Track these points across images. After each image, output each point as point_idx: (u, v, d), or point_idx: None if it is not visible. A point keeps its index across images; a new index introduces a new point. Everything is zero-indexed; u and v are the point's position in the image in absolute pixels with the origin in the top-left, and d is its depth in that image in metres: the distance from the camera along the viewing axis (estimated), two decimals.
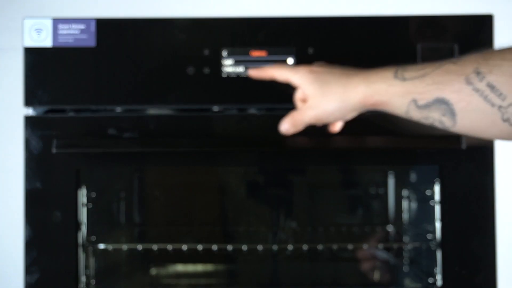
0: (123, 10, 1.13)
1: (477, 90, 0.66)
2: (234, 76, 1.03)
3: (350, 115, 0.81)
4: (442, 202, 1.04)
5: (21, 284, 1.03)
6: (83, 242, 1.07)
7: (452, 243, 1.03)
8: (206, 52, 1.04)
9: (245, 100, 1.04)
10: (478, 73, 0.66)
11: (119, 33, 1.03)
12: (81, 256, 1.06)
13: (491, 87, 0.65)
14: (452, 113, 0.69)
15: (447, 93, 0.68)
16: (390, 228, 1.35)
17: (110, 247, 1.19)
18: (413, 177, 1.31)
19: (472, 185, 1.03)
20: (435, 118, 0.71)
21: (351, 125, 1.04)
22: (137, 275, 1.31)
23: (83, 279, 1.07)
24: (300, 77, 0.82)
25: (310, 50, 1.03)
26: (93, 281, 1.13)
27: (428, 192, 1.15)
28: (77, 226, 1.04)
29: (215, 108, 1.05)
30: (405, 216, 1.34)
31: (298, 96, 0.86)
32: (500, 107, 0.65)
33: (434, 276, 1.08)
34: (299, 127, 0.84)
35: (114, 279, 1.26)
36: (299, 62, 1.03)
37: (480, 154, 1.02)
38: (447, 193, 1.04)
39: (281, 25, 1.04)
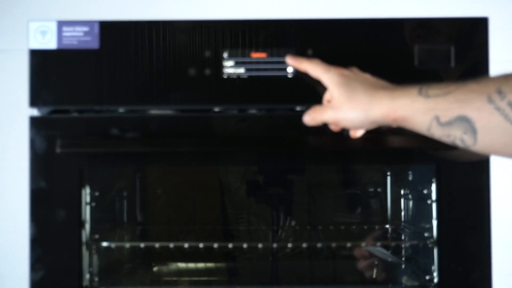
0: (126, 12, 1.14)
1: (498, 108, 0.67)
2: (235, 77, 1.04)
3: (369, 126, 0.83)
4: (439, 200, 1.06)
5: (26, 281, 1.04)
6: (86, 240, 1.08)
7: (448, 241, 1.04)
8: (207, 53, 1.05)
9: (245, 100, 1.06)
10: (500, 92, 0.67)
11: (122, 35, 1.05)
12: (85, 253, 1.07)
13: None
14: (473, 131, 0.69)
15: (469, 111, 0.69)
16: (388, 226, 1.36)
17: (113, 245, 1.20)
18: (410, 176, 1.32)
19: (468, 184, 1.04)
20: (457, 136, 0.71)
21: None
22: (139, 273, 1.32)
23: (87, 276, 1.08)
24: (330, 78, 0.83)
25: (310, 52, 1.04)
26: (96, 278, 1.14)
27: (425, 191, 1.16)
28: (81, 224, 1.06)
29: (216, 109, 1.06)
30: (403, 214, 1.35)
31: (326, 96, 0.87)
32: None
33: (431, 273, 1.10)
34: (317, 122, 0.86)
35: (117, 276, 1.27)
36: None
37: (476, 153, 1.03)
38: (444, 192, 1.05)
39: (281, 27, 1.05)
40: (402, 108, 0.75)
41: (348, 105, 0.81)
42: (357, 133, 0.91)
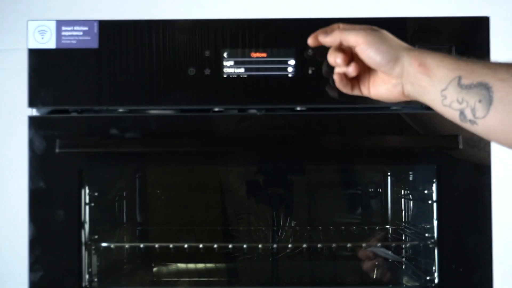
0: (125, 12, 1.14)
1: None
2: (235, 77, 1.04)
3: (388, 66, 0.75)
4: (440, 201, 1.05)
5: (25, 282, 1.04)
6: (85, 240, 1.08)
7: (449, 241, 1.04)
8: (207, 53, 1.05)
9: (245, 100, 1.06)
10: None
11: (121, 34, 1.04)
12: (84, 254, 1.07)
13: None
14: (489, 101, 0.67)
15: (492, 79, 0.67)
16: (388, 227, 1.36)
17: (113, 245, 1.20)
18: (411, 176, 1.32)
19: (469, 184, 1.04)
20: (470, 103, 0.68)
21: (350, 125, 1.06)
22: (139, 273, 1.32)
23: (86, 276, 1.08)
24: (363, 35, 0.76)
25: (310, 52, 1.03)
26: (95, 279, 1.14)
27: (426, 192, 1.16)
28: (80, 225, 1.06)
29: (216, 109, 1.06)
30: (403, 215, 1.35)
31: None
32: None
33: (431, 274, 1.09)
34: (332, 40, 0.78)
35: (116, 277, 1.27)
36: (298, 63, 1.04)
37: (477, 156, 1.03)
38: (445, 192, 1.05)
39: (281, 27, 1.05)
40: (431, 57, 0.73)
41: (381, 39, 0.76)
42: (350, 69, 0.79)
